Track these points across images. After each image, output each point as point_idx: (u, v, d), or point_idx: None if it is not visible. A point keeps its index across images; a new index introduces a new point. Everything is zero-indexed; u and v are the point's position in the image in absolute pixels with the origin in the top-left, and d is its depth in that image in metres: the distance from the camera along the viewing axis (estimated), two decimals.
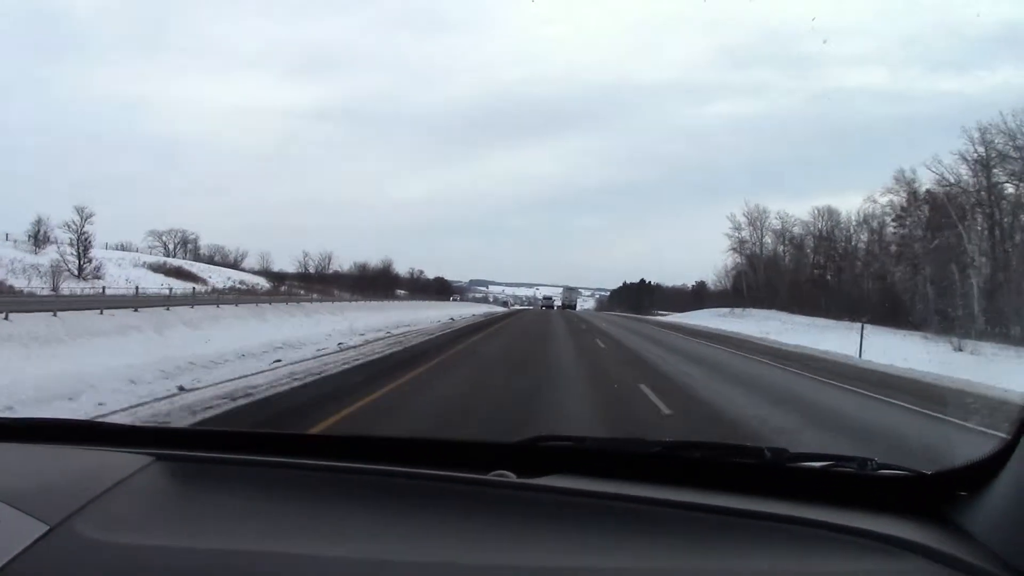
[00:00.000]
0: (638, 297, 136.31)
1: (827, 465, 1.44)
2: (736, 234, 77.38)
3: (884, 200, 50.00)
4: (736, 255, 79.54)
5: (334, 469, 1.42)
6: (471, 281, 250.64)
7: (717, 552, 1.15)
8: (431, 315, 38.75)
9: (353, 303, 42.17)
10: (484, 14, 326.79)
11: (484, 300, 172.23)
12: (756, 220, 75.50)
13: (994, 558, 1.06)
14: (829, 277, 61.07)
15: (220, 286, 53.90)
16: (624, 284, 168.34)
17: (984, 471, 1.21)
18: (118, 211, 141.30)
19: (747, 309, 63.17)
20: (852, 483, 1.38)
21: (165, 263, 63.68)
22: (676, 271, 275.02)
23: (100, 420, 2.33)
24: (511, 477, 1.36)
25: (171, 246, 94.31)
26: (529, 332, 26.78)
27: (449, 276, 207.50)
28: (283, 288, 60.46)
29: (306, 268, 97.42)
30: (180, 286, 44.52)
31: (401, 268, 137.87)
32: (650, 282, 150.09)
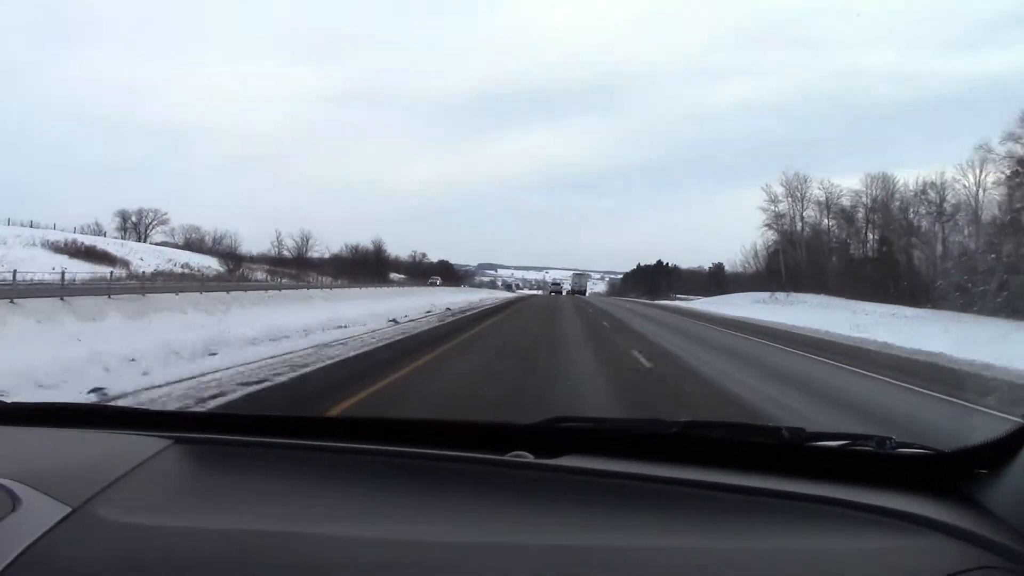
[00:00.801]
0: (654, 280, 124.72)
1: (845, 444, 1.41)
2: (772, 207, 66.01)
3: (1003, 150, 39.16)
4: (771, 231, 68.22)
5: (353, 451, 1.40)
6: (479, 265, 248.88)
7: (735, 530, 1.13)
8: (397, 307, 27.95)
9: (301, 291, 31.47)
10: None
11: (491, 284, 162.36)
12: (796, 190, 64.12)
13: (1014, 534, 1.06)
14: (898, 256, 49.65)
15: (151, 270, 43.41)
16: (638, 267, 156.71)
17: (1004, 449, 1.19)
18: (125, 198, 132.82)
19: (791, 294, 52.15)
20: (871, 462, 1.35)
21: (75, 241, 53.08)
22: (692, 253, 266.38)
23: (122, 405, 2.13)
24: (529, 457, 1.33)
25: (142, 227, 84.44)
26: (525, 340, 15.62)
27: (458, 260, 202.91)
28: (240, 272, 49.85)
29: (280, 250, 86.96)
30: (85, 270, 34.09)
31: (403, 251, 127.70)
32: (667, 264, 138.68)
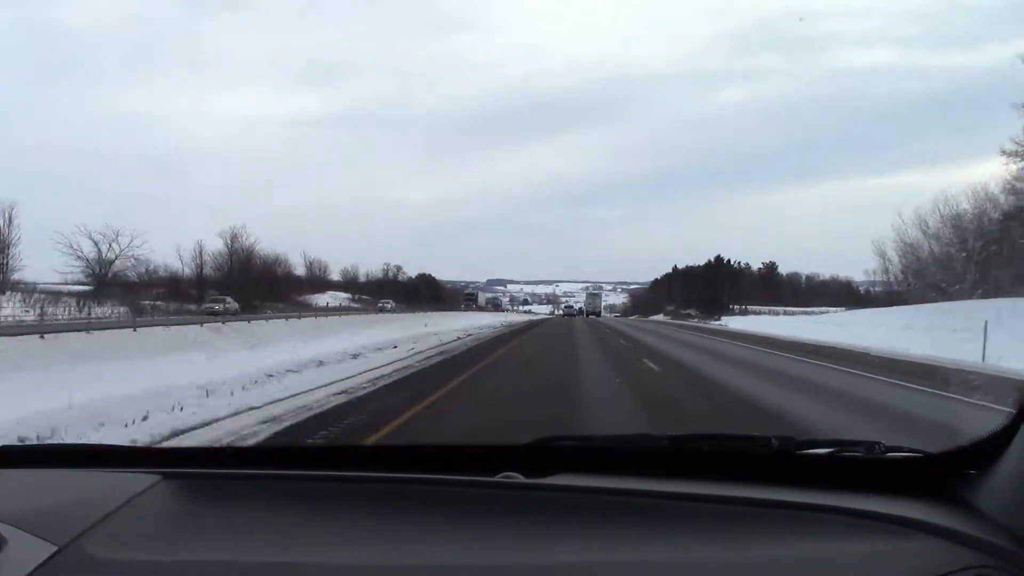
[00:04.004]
0: (709, 287, 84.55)
1: (835, 451, 1.38)
2: None
3: None
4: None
5: (341, 479, 1.37)
6: (489, 281, 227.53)
7: (727, 541, 1.10)
8: None
9: None
10: (486, 13, 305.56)
11: (493, 305, 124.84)
12: None
13: (1004, 533, 1.02)
14: None
15: None
16: (675, 270, 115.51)
17: (991, 448, 1.15)
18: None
19: None
20: (861, 467, 1.33)
21: None
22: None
23: (107, 443, 1.95)
24: (518, 478, 1.29)
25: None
26: None
27: (467, 277, 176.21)
28: None
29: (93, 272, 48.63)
30: None
31: (370, 266, 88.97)
32: (730, 262, 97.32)
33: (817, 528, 1.10)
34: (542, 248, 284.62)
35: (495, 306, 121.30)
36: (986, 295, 27.77)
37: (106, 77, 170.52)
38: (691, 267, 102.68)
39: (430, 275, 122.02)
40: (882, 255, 44.56)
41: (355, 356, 17.27)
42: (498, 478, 1.28)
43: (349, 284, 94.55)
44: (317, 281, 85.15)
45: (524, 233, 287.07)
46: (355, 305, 60.63)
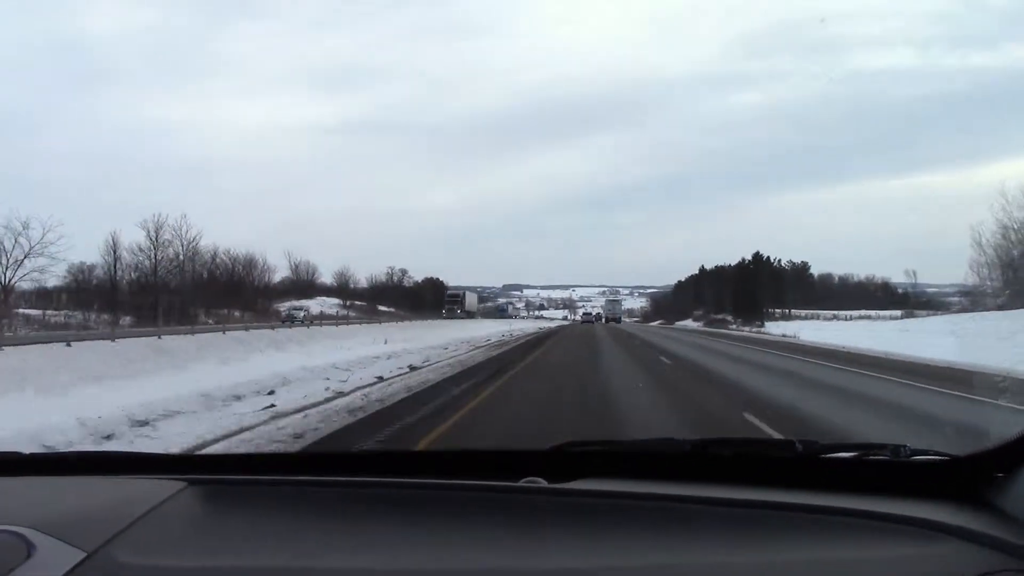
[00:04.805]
0: (746, 289, 73.63)
1: (860, 454, 1.38)
2: None
3: None
4: None
5: (366, 484, 1.38)
6: (505, 286, 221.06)
7: (752, 545, 1.09)
8: None
9: None
10: (504, 19, 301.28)
11: (499, 310, 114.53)
12: None
13: None
14: None
15: None
16: (703, 271, 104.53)
17: (1019, 451, 1.14)
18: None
19: None
20: (887, 471, 1.32)
21: None
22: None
23: (133, 451, 2.00)
24: (541, 483, 1.30)
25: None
26: None
27: (484, 283, 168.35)
28: None
29: None
30: None
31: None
32: (770, 259, 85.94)
33: (842, 532, 1.07)
34: (559, 252, 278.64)
35: (501, 311, 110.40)
36: None
37: (112, 84, 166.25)
38: (721, 267, 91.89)
39: (437, 279, 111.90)
40: (979, 244, 34.19)
41: (140, 424, 7.18)
42: (521, 483, 1.27)
43: (343, 289, 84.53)
44: (304, 285, 75.29)
45: (541, 237, 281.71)
46: (312, 313, 50.41)
